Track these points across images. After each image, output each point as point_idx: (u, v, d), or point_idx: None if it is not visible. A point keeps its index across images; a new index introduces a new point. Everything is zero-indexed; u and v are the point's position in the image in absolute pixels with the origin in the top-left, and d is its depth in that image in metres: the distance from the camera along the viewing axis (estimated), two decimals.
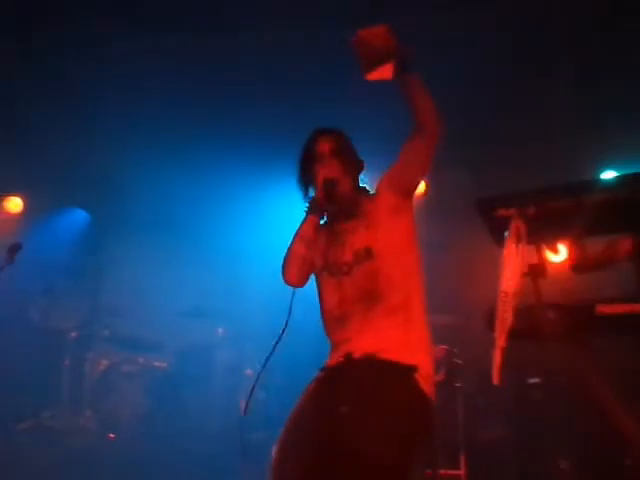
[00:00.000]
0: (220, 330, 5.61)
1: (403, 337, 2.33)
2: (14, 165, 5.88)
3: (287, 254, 2.50)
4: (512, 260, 1.90)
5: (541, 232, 1.99)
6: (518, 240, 1.91)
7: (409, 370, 2.25)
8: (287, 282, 2.51)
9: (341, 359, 2.35)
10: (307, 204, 2.51)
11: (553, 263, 2.14)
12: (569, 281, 2.47)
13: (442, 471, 4.29)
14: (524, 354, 4.02)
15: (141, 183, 5.90)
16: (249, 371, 5.43)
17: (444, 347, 4.41)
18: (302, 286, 2.52)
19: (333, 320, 2.46)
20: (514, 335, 1.93)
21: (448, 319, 4.82)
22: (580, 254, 2.05)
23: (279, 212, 5.83)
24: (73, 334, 5.79)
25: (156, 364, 5.67)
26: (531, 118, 5.28)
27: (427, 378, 2.29)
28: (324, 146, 2.52)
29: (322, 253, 2.50)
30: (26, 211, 6.47)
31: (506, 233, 1.93)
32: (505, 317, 1.89)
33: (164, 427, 5.28)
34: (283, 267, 2.51)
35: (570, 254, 2.08)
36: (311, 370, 5.44)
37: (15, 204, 6.38)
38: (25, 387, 5.57)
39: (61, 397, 5.64)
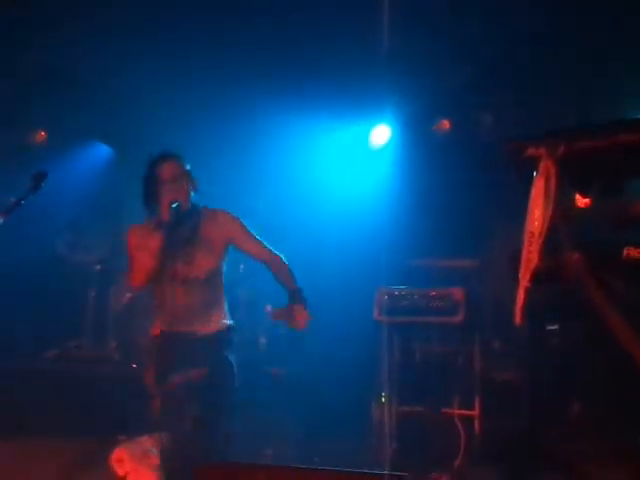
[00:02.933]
0: (241, 266, 5.66)
1: None
2: (38, 99, 5.87)
3: (136, 265, 3.05)
4: (540, 201, 1.88)
5: (571, 173, 1.96)
6: (547, 181, 1.88)
7: None
8: (133, 287, 3.28)
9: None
10: (154, 223, 3.03)
11: (582, 205, 2.12)
12: (596, 224, 2.44)
13: (457, 411, 4.39)
14: (545, 299, 4.03)
15: (165, 120, 5.88)
16: (268, 307, 5.50)
17: (462, 289, 4.43)
18: (142, 289, 3.27)
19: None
20: (538, 276, 1.92)
21: (467, 262, 4.84)
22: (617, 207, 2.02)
23: (299, 145, 5.81)
24: (97, 267, 5.88)
25: None
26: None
27: None
28: (168, 171, 3.08)
29: (169, 265, 3.07)
30: (49, 145, 6.48)
31: (535, 173, 1.90)
32: (530, 257, 1.88)
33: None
34: (131, 275, 3.08)
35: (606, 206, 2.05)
36: (329, 306, 5.53)
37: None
38: (51, 317, 5.71)
39: (86, 328, 5.79)
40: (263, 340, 5.54)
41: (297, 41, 4.99)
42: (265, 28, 4.92)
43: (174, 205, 3.03)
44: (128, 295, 5.59)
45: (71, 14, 5.03)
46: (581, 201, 1.99)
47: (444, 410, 4.43)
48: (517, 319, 1.96)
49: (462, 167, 5.18)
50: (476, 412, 4.42)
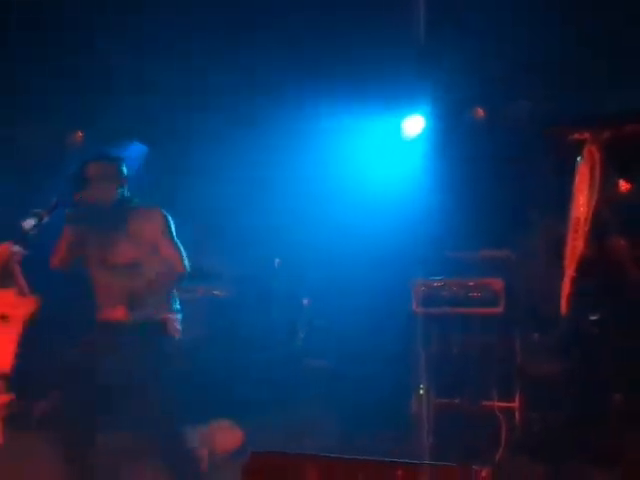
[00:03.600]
0: (277, 260, 5.71)
1: None
2: (74, 99, 5.96)
3: (55, 251, 3.35)
4: (585, 186, 1.85)
5: (615, 158, 1.93)
6: (592, 166, 1.85)
7: None
8: (52, 266, 3.37)
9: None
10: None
11: (626, 190, 2.08)
12: None
13: (497, 403, 4.35)
14: (588, 288, 3.96)
15: (198, 117, 5.93)
16: (306, 300, 5.53)
17: (501, 279, 4.38)
18: (65, 269, 3.41)
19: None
20: (584, 266, 1.90)
21: (504, 252, 4.79)
22: None
23: (332, 138, 5.81)
24: None
25: (215, 292, 5.82)
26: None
27: None
28: (95, 170, 3.37)
29: (97, 249, 3.39)
30: (86, 144, 6.58)
31: (579, 159, 1.87)
32: (576, 245, 1.86)
33: (223, 353, 5.46)
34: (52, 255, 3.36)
35: None
36: (366, 298, 5.50)
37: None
38: (86, 313, 5.80)
39: None
40: (301, 334, 5.59)
41: (330, 31, 4.97)
42: (298, 17, 4.91)
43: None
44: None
45: (104, 16, 5.10)
46: (625, 186, 1.96)
47: (484, 402, 4.39)
48: (563, 309, 1.93)
49: (498, 156, 5.12)
50: (516, 404, 4.37)
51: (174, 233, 3.42)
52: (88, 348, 3.33)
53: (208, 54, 5.31)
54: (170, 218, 3.45)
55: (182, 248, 3.42)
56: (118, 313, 3.30)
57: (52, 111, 6.16)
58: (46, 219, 3.03)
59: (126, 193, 3.46)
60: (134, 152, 6.73)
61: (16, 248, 2.65)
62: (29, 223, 2.90)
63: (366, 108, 5.58)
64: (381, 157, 5.98)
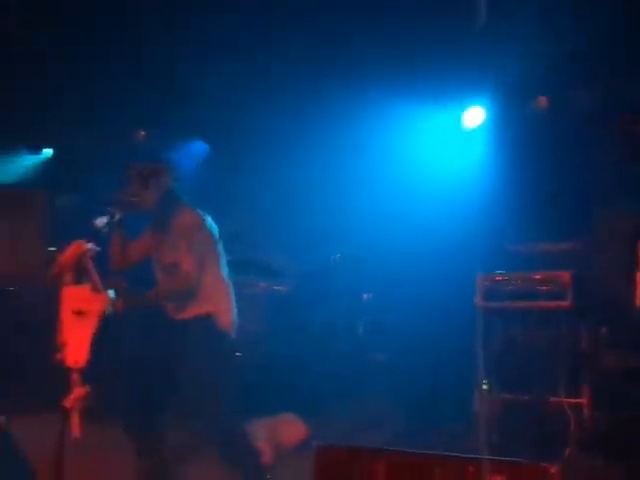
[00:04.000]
0: (338, 255, 5.72)
1: None
2: (138, 99, 6.11)
3: (110, 253, 3.42)
4: None
5: None
6: None
7: None
8: (112, 268, 3.47)
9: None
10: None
11: None
12: None
13: (565, 399, 4.26)
14: None
15: (259, 116, 5.99)
16: (366, 295, 5.54)
17: (569, 272, 4.27)
18: (126, 270, 3.51)
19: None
20: None
21: (571, 244, 4.68)
22: None
23: (392, 130, 5.77)
24: None
25: (276, 288, 5.88)
26: None
27: None
28: (137, 170, 3.39)
29: (153, 253, 3.48)
30: (149, 142, 6.75)
31: None
32: None
33: (285, 348, 5.52)
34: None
35: None
36: (427, 292, 5.46)
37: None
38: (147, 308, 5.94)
39: None
40: (361, 328, 5.59)
41: (390, 22, 4.93)
42: (357, 11, 4.89)
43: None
44: None
45: (167, 17, 5.20)
46: None
47: (551, 398, 4.29)
48: (636, 301, 1.87)
49: (562, 146, 5.01)
50: (585, 400, 4.26)
51: (197, 237, 3.36)
52: (151, 343, 3.49)
53: (268, 52, 5.36)
54: (204, 218, 3.42)
55: (196, 256, 3.33)
56: (171, 310, 3.39)
57: (116, 111, 6.34)
58: (117, 217, 3.12)
59: (174, 193, 3.45)
60: (194, 150, 6.86)
61: (89, 245, 2.73)
62: (101, 221, 2.99)
63: (426, 100, 5.53)
64: (441, 149, 5.93)
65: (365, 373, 5.22)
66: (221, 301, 3.45)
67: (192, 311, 3.37)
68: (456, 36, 4.78)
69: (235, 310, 3.50)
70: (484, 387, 4.51)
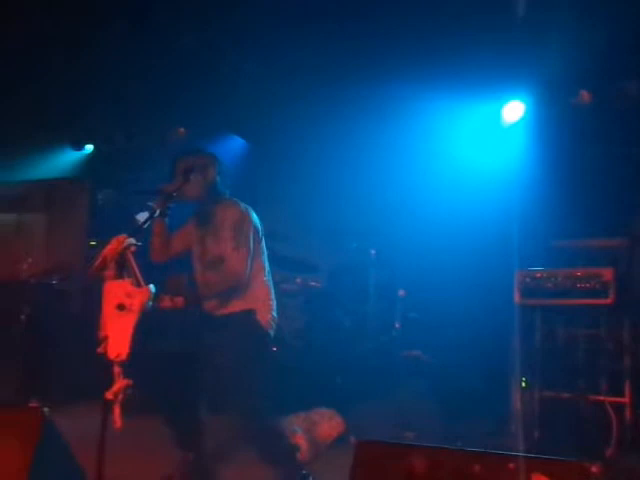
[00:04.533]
0: (373, 252, 5.70)
1: None
2: (177, 97, 6.18)
3: (151, 244, 3.44)
4: None
5: None
6: None
7: None
8: (153, 261, 3.50)
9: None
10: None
11: None
12: None
13: (606, 398, 4.19)
14: None
15: (296, 110, 6.00)
16: (402, 292, 5.51)
17: (611, 269, 4.19)
18: (163, 262, 3.54)
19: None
20: None
21: (614, 241, 4.59)
22: None
23: (429, 126, 5.73)
24: None
25: (312, 283, 5.90)
26: None
27: None
28: (183, 164, 3.38)
29: (195, 247, 3.49)
30: (188, 139, 6.82)
31: None
32: None
33: (320, 342, 5.53)
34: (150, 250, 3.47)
35: None
36: (465, 289, 5.40)
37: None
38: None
39: None
40: (397, 325, 5.57)
41: (428, 15, 4.88)
42: (393, 3, 4.85)
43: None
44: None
45: (206, 14, 5.23)
46: None
47: (592, 397, 4.22)
48: None
49: (604, 140, 4.90)
50: (627, 399, 4.18)
51: (245, 231, 3.36)
52: (191, 337, 3.48)
53: (305, 46, 5.36)
54: (250, 213, 3.43)
55: (247, 251, 3.33)
56: (211, 305, 3.38)
57: (156, 107, 6.42)
58: (158, 212, 3.16)
59: (218, 187, 3.46)
60: (233, 147, 6.92)
61: (131, 240, 2.77)
62: (143, 216, 3.03)
63: (464, 95, 5.47)
64: (480, 144, 5.86)
65: (402, 369, 5.19)
66: (263, 297, 3.44)
67: (235, 307, 3.36)
68: (495, 27, 4.70)
69: (275, 306, 3.49)
70: (523, 385, 4.46)
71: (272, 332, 3.45)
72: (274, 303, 3.50)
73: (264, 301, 3.44)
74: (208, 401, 3.57)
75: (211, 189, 3.44)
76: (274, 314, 3.47)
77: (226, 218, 3.36)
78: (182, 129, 6.83)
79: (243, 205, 3.44)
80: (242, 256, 3.30)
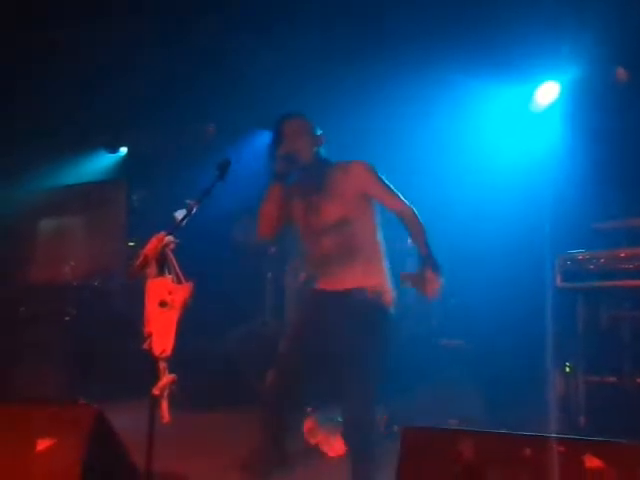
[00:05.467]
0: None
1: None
2: (208, 95, 6.23)
3: (259, 213, 3.15)
4: None
5: None
6: None
7: None
8: (260, 237, 3.21)
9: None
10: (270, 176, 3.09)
11: None
12: None
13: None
14: None
15: (322, 104, 5.98)
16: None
17: None
18: (272, 238, 3.25)
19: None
20: None
21: None
22: None
23: (458, 109, 5.64)
24: (272, 249, 6.18)
25: None
26: None
27: None
28: (289, 127, 3.14)
29: (302, 217, 3.16)
30: (219, 136, 6.88)
31: None
32: None
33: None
34: (258, 224, 3.17)
35: None
36: (504, 275, 5.33)
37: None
38: (235, 299, 6.10)
39: (266, 307, 6.11)
40: (436, 311, 5.53)
41: None
42: None
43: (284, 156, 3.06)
44: (303, 275, 5.81)
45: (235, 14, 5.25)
46: None
47: (638, 379, 4.15)
48: None
49: None
50: None
51: (386, 180, 3.10)
52: (302, 321, 3.16)
53: (331, 40, 5.34)
54: (375, 167, 3.13)
55: (375, 213, 3.10)
56: (331, 282, 3.04)
57: (187, 107, 6.47)
58: (195, 210, 3.17)
59: (323, 153, 3.22)
60: (264, 142, 6.93)
61: (170, 238, 2.80)
62: (180, 214, 3.05)
63: (495, 76, 5.36)
64: (512, 128, 5.77)
65: (443, 358, 5.16)
66: (385, 270, 3.10)
67: (357, 281, 3.00)
68: (528, 3, 4.57)
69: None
70: (567, 369, 4.40)
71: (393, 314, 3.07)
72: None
73: (386, 275, 3.10)
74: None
75: (317, 154, 3.17)
76: (394, 292, 3.11)
77: (354, 174, 3.08)
78: (212, 127, 6.87)
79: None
80: (372, 214, 3.11)
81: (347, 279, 3.02)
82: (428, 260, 2.93)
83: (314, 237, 3.11)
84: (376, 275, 3.06)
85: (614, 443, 1.91)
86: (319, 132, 3.23)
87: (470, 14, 4.84)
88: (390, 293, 3.08)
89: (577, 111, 5.36)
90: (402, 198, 3.08)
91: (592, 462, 1.84)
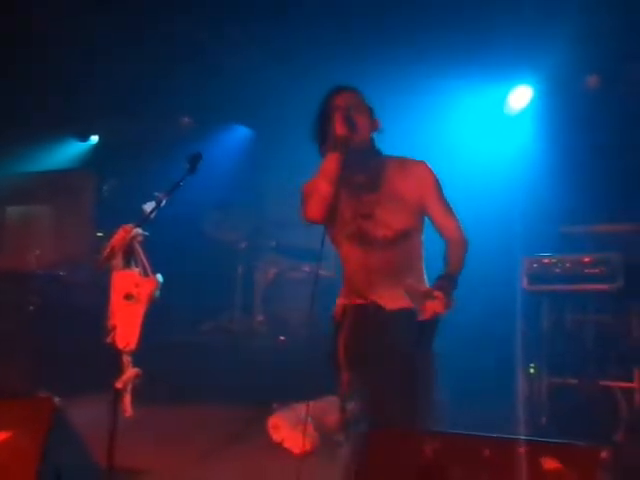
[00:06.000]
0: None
1: None
2: (182, 87, 6.17)
3: (313, 191, 2.56)
4: None
5: None
6: None
7: None
8: (308, 218, 2.58)
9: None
10: (330, 144, 2.55)
11: None
12: None
13: (615, 383, 4.19)
14: None
15: (299, 100, 5.97)
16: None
17: (619, 254, 4.18)
18: (321, 222, 2.56)
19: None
20: None
21: (623, 226, 4.57)
22: None
23: (430, 111, 5.67)
24: (242, 245, 6.16)
25: (321, 272, 5.89)
26: None
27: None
28: (344, 100, 2.62)
29: (349, 217, 2.59)
30: (194, 129, 6.83)
31: None
32: None
33: (329, 331, 5.53)
34: (305, 203, 2.59)
35: None
36: (472, 277, 5.38)
37: None
38: (203, 293, 6.06)
39: (235, 303, 6.09)
40: None
41: None
42: None
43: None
44: (273, 270, 5.81)
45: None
46: None
47: (601, 382, 4.23)
48: None
49: (615, 125, 4.86)
50: (636, 384, 4.18)
51: (445, 195, 2.65)
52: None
53: (306, 36, 5.32)
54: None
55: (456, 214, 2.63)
56: (382, 298, 2.55)
57: (160, 97, 6.40)
58: (164, 202, 3.13)
59: (376, 143, 2.69)
60: (239, 136, 6.91)
61: (138, 230, 2.77)
62: (149, 206, 3.01)
63: (468, 80, 5.40)
64: (484, 131, 5.82)
65: None
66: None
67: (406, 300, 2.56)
68: (501, 8, 4.61)
69: None
70: (531, 371, 4.46)
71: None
72: None
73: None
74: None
75: (371, 142, 2.65)
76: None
77: (419, 179, 2.59)
78: (187, 119, 6.82)
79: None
80: (458, 221, 2.61)
81: (399, 298, 2.56)
82: (449, 281, 2.46)
83: (362, 247, 2.58)
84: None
85: (572, 445, 1.94)
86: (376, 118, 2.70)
87: (444, 19, 4.86)
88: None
89: (549, 116, 5.43)
90: (456, 219, 2.64)
91: (550, 464, 1.87)
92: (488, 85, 5.67)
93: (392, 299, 2.57)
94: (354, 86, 2.72)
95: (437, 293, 2.41)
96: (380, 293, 2.58)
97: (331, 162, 2.52)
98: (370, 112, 2.69)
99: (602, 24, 4.75)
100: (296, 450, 4.20)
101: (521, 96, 5.71)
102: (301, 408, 4.35)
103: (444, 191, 2.67)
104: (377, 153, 2.68)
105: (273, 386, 4.68)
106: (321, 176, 2.54)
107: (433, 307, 2.42)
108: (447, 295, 2.42)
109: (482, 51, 5.07)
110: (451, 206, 2.65)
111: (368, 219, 2.58)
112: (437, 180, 2.65)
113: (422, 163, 2.68)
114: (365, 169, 2.62)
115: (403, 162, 2.68)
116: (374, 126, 2.68)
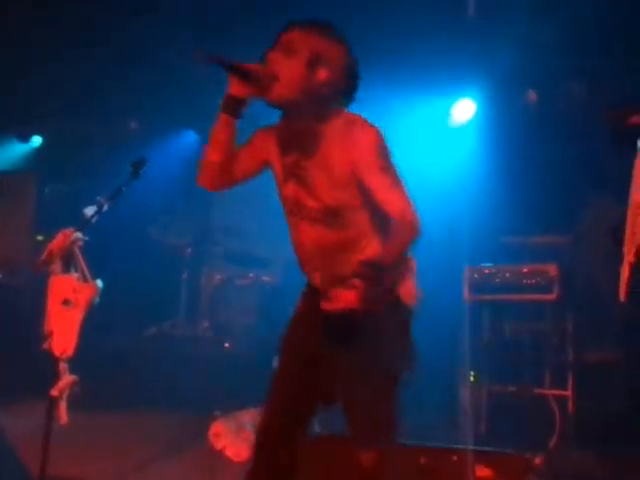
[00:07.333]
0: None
1: None
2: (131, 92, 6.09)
3: (201, 158, 2.21)
4: None
5: None
6: None
7: None
8: (198, 185, 2.24)
9: None
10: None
11: None
12: None
13: (549, 391, 4.31)
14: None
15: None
16: None
17: (556, 265, 4.31)
18: (217, 191, 2.28)
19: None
20: None
21: (559, 238, 4.71)
22: None
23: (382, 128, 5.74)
24: (188, 250, 6.11)
25: (265, 279, 5.89)
26: None
27: None
28: (286, 36, 2.09)
29: (280, 183, 2.19)
30: (140, 134, 6.74)
31: (639, 143, 1.83)
32: (635, 231, 1.81)
33: (273, 336, 5.53)
34: (197, 169, 2.22)
35: None
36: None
37: None
38: (148, 298, 5.98)
39: (180, 308, 6.04)
40: None
41: (376, 9, 4.83)
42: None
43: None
44: (218, 277, 5.78)
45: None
46: None
47: (537, 390, 4.35)
48: (622, 296, 1.89)
49: (552, 140, 5.01)
50: (569, 392, 4.31)
51: (393, 166, 2.10)
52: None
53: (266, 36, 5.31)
54: (386, 143, 2.10)
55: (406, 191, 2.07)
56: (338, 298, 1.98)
57: (107, 100, 6.30)
58: (106, 207, 3.09)
59: (333, 96, 2.13)
60: (187, 141, 6.85)
61: (78, 234, 2.72)
62: (90, 210, 2.96)
63: (412, 93, 5.47)
64: (428, 143, 5.91)
65: None
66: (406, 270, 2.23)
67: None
68: (445, 25, 4.72)
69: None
70: (471, 379, 4.55)
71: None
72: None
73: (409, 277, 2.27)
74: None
75: (317, 87, 2.08)
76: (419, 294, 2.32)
77: (356, 145, 2.04)
78: (134, 123, 6.73)
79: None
80: (408, 200, 2.06)
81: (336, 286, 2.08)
82: (376, 270, 1.88)
83: (297, 220, 2.17)
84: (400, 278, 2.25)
85: (502, 453, 2.00)
86: (347, 66, 2.17)
87: (388, 30, 4.91)
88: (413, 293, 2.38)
89: (490, 130, 5.55)
90: (405, 195, 2.09)
91: (482, 471, 1.92)
92: (433, 98, 5.76)
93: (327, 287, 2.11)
94: (325, 24, 2.16)
95: (357, 281, 1.86)
96: (317, 279, 2.18)
97: (219, 127, 2.13)
98: (314, 55, 2.08)
99: (542, 40, 4.90)
100: (237, 458, 4.18)
101: (465, 109, 5.82)
102: (243, 415, 4.33)
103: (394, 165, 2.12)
104: (323, 110, 2.11)
105: (216, 393, 4.64)
106: (209, 142, 2.17)
107: (345, 298, 1.91)
108: (369, 287, 1.86)
109: (426, 64, 5.15)
110: (401, 180, 2.09)
111: (300, 183, 2.13)
112: (380, 147, 2.07)
113: (367, 126, 2.09)
114: (300, 124, 2.12)
115: (351, 123, 2.10)
116: (318, 78, 2.09)
